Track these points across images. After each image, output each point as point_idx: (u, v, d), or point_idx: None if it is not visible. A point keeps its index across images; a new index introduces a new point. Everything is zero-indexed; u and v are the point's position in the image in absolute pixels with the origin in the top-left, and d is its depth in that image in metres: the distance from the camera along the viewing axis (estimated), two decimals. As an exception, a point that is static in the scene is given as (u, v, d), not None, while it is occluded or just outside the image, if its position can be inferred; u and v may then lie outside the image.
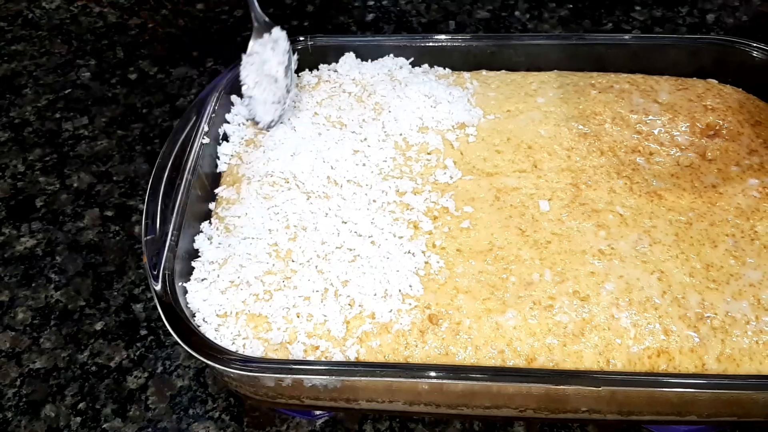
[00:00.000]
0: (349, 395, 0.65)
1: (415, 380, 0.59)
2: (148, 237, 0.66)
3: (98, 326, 0.81)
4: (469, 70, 0.88)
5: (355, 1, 1.23)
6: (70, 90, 1.10)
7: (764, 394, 0.59)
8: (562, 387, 0.58)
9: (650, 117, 0.79)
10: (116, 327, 0.81)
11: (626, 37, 0.90)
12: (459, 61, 0.89)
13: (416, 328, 0.62)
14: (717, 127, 0.78)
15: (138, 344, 0.79)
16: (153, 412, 0.73)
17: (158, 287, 0.63)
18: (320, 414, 0.71)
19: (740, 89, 0.83)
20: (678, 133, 0.77)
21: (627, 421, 0.65)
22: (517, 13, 1.19)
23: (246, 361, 0.59)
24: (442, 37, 0.89)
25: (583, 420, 0.66)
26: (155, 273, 0.64)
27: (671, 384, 0.57)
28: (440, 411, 0.66)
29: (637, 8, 1.18)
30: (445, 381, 0.58)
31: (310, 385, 0.62)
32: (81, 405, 0.74)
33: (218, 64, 1.13)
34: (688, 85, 0.83)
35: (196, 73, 1.12)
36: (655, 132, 0.77)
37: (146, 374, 0.76)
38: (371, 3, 1.23)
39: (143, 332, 0.80)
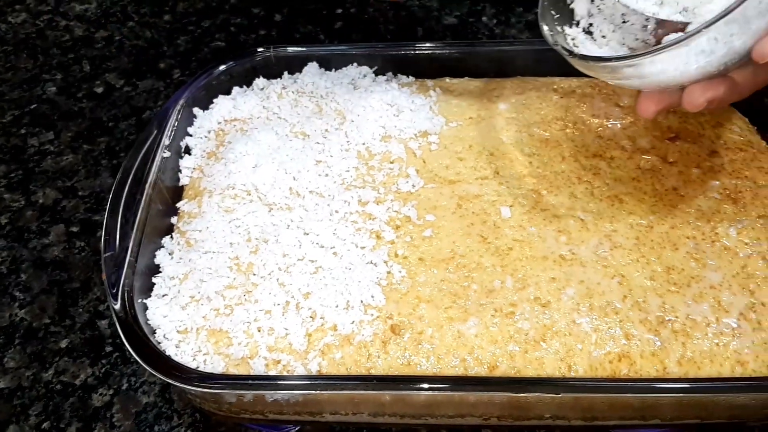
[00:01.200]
0: (313, 408, 0.64)
1: (376, 392, 0.59)
2: (107, 254, 0.65)
3: (63, 344, 0.80)
4: (435, 77, 0.88)
5: (323, 9, 1.23)
6: (35, 105, 1.09)
7: (725, 396, 0.59)
8: (523, 395, 0.58)
9: (611, 121, 0.79)
10: (81, 344, 0.80)
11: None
12: (424, 69, 0.88)
13: (378, 339, 0.62)
14: (678, 130, 0.78)
15: (103, 361, 0.78)
16: (118, 430, 0.73)
17: (117, 306, 0.62)
18: (287, 427, 0.70)
19: (701, 91, 0.84)
20: (639, 137, 0.77)
21: (591, 427, 0.65)
22: (484, 18, 1.20)
23: (205, 379, 0.58)
24: (406, 45, 0.89)
25: (548, 426, 0.66)
26: (114, 291, 0.63)
27: (632, 389, 0.57)
28: (405, 421, 0.66)
29: (604, 11, 1.19)
30: (405, 392, 0.58)
31: (272, 399, 0.61)
32: (45, 424, 0.73)
33: (185, 75, 1.12)
34: (650, 87, 0.83)
35: (163, 85, 1.11)
36: (617, 136, 0.77)
37: (111, 391, 0.76)
38: (339, 11, 1.23)
39: (108, 349, 0.79)
